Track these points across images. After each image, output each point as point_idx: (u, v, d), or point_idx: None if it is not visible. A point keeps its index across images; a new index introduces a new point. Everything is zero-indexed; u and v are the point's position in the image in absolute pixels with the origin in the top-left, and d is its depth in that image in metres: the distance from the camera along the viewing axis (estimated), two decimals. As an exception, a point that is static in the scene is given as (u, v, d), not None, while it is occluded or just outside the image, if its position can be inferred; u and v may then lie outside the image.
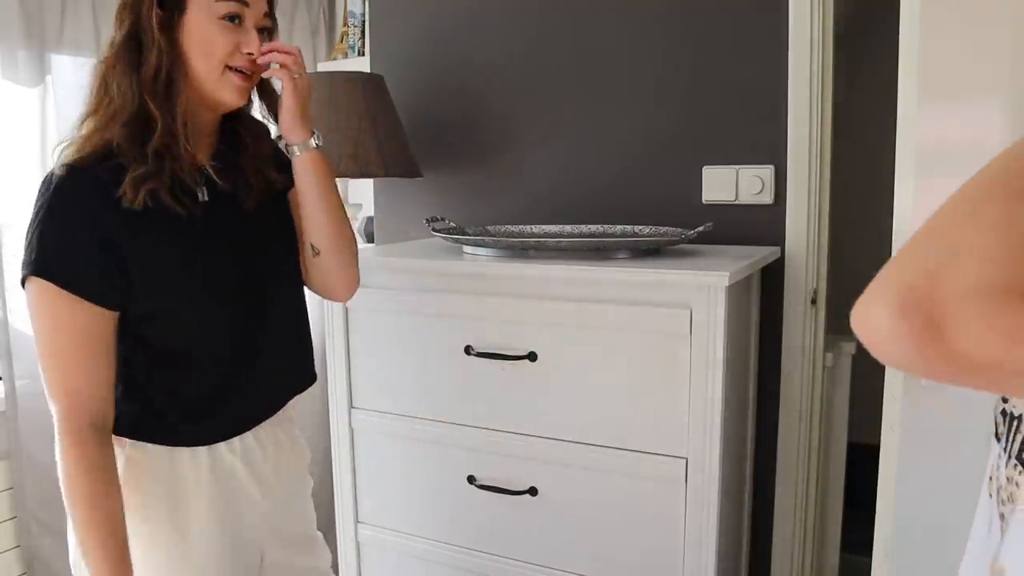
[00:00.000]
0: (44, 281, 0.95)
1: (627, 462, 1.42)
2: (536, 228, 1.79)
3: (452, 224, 1.75)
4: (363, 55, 2.54)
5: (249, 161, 1.11)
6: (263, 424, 1.17)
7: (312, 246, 1.18)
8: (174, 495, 1.07)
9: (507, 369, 1.50)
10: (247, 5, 1.03)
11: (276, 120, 1.14)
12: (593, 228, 1.76)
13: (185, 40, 1.00)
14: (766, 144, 1.71)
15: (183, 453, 1.07)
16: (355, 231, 2.35)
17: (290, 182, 1.16)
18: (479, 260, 1.53)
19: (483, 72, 2.01)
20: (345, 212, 1.21)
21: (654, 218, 1.80)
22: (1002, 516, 0.67)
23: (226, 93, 1.04)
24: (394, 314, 1.61)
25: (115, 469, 1.00)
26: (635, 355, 1.39)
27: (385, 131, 1.90)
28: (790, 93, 1.66)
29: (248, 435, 1.14)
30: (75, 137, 1.00)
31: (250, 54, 1.04)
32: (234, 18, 1.02)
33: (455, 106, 2.06)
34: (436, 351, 1.57)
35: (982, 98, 1.24)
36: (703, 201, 1.79)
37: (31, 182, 1.03)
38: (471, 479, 1.57)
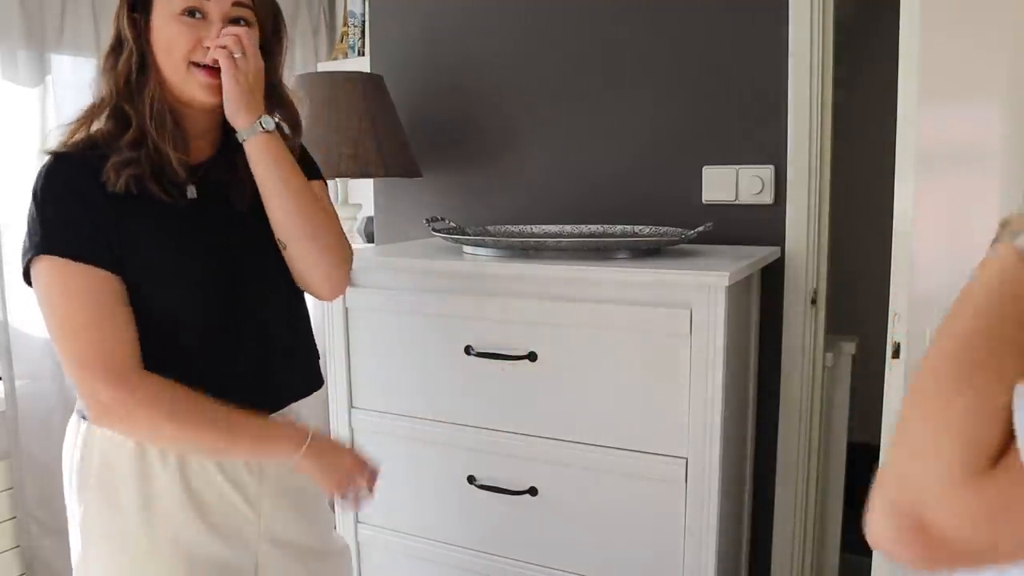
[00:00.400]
0: (52, 257, 0.97)
1: (627, 462, 1.42)
2: (536, 228, 1.79)
3: (452, 224, 1.75)
4: (363, 55, 2.55)
5: (244, 162, 1.09)
6: None
7: (279, 240, 1.12)
8: (144, 493, 1.05)
9: (507, 369, 1.50)
10: None
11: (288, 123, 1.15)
12: (593, 228, 1.76)
13: (153, 40, 1.02)
14: (766, 144, 1.71)
15: (152, 450, 1.05)
16: (355, 231, 2.37)
17: None
18: (479, 260, 1.53)
19: (483, 72, 2.01)
20: (314, 199, 1.12)
21: (654, 218, 1.80)
22: None
23: (193, 90, 1.03)
24: (394, 314, 1.61)
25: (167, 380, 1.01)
26: (635, 355, 1.39)
27: (385, 131, 1.90)
28: (790, 93, 1.66)
29: None
30: (63, 129, 1.04)
31: (222, 47, 1.01)
32: (194, 12, 1.00)
33: (455, 106, 2.06)
34: (436, 351, 1.57)
35: (982, 98, 1.24)
36: (703, 201, 1.79)
37: (31, 182, 1.03)
38: (471, 479, 1.57)
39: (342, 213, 1.98)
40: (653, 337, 1.37)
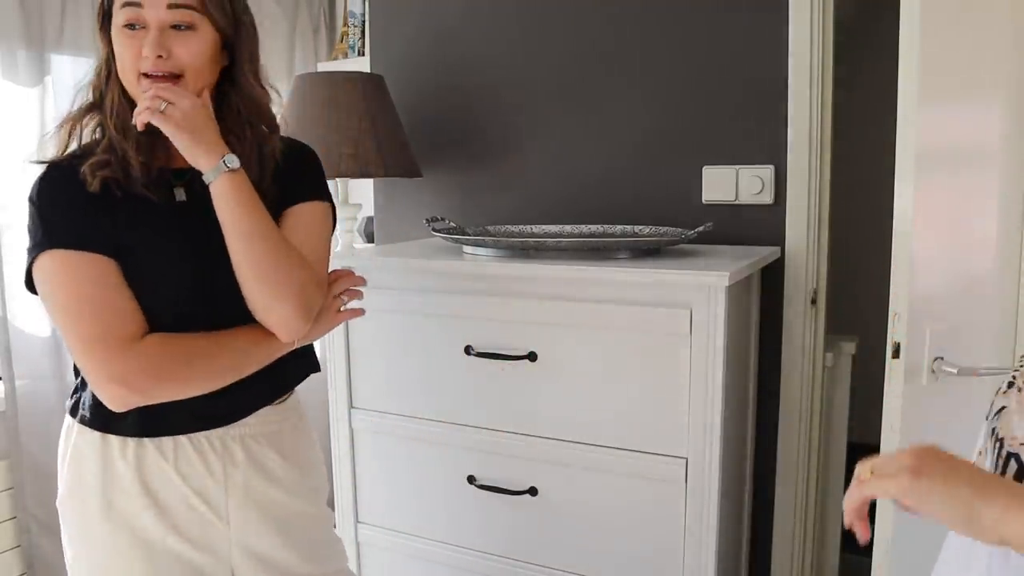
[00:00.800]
0: (54, 250, 0.99)
1: (627, 462, 1.42)
2: (536, 228, 1.79)
3: (452, 224, 1.75)
4: (363, 55, 2.55)
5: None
6: (216, 435, 1.10)
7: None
8: (108, 485, 1.06)
9: (507, 369, 1.50)
10: (140, 6, 0.99)
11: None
12: (593, 228, 1.76)
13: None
14: (766, 144, 1.71)
15: (113, 442, 1.06)
16: (355, 231, 2.37)
17: (271, 195, 1.10)
18: (479, 260, 1.53)
19: (483, 72, 2.01)
20: (276, 243, 1.05)
21: (654, 218, 1.80)
22: None
23: (142, 103, 1.02)
24: (394, 314, 1.61)
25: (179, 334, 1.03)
26: (635, 355, 1.39)
27: (385, 131, 1.90)
28: (790, 93, 1.66)
29: (185, 440, 1.08)
30: (53, 137, 1.08)
31: (160, 57, 1.00)
32: (133, 25, 1.00)
33: (455, 106, 2.06)
34: (436, 351, 1.57)
35: (982, 98, 1.24)
36: (703, 201, 1.79)
37: (31, 183, 1.05)
38: (471, 479, 1.57)
39: (342, 213, 1.98)
40: (653, 337, 1.37)
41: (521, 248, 1.50)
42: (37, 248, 1.00)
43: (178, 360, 1.01)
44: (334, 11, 2.87)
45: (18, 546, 2.08)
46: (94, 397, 1.03)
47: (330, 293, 1.16)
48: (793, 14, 1.64)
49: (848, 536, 1.98)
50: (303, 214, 1.13)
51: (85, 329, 0.98)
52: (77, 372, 1.09)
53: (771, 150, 1.71)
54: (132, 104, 1.04)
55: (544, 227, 1.79)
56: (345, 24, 2.76)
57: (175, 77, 1.02)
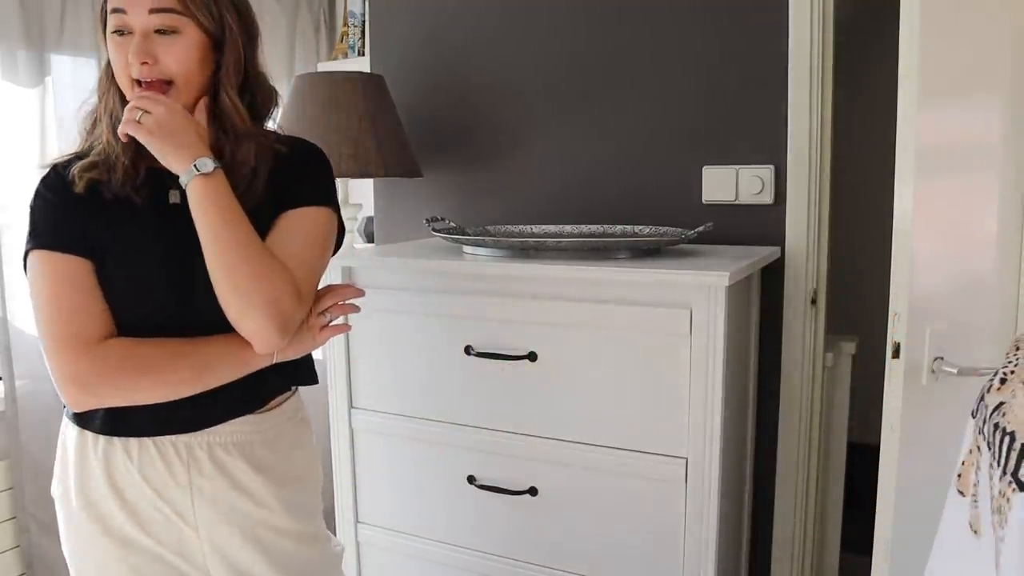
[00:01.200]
0: (39, 251, 1.02)
1: (627, 462, 1.42)
2: (536, 228, 1.79)
3: (452, 224, 1.75)
4: (363, 55, 2.55)
5: (236, 167, 1.06)
6: (182, 440, 1.07)
7: None
8: (85, 480, 1.07)
9: (507, 369, 1.50)
10: (124, 12, 0.99)
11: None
12: (593, 228, 1.76)
13: None
14: (766, 144, 1.71)
15: (88, 438, 1.07)
16: (355, 231, 2.37)
17: (263, 200, 1.07)
18: (479, 260, 1.53)
19: (483, 72, 2.01)
20: (252, 251, 1.01)
21: (654, 218, 1.80)
22: (992, 524, 0.68)
23: (126, 114, 1.02)
24: (394, 314, 1.61)
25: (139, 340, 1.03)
26: (635, 355, 1.39)
27: (385, 131, 1.90)
28: (790, 93, 1.66)
29: (149, 442, 1.06)
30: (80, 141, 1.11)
31: (145, 63, 0.99)
32: (121, 32, 1.00)
33: (455, 106, 2.06)
34: (436, 351, 1.57)
35: (982, 98, 1.24)
36: (703, 201, 1.79)
37: (30, 183, 1.06)
38: (471, 479, 1.57)
39: (342, 213, 1.97)
40: (653, 337, 1.37)
41: (521, 248, 1.50)
42: (25, 247, 1.03)
43: (133, 367, 1.00)
44: (334, 11, 2.87)
45: (18, 546, 2.08)
46: None
47: (315, 310, 1.11)
48: (793, 14, 1.64)
49: (848, 536, 1.97)
50: (295, 220, 1.08)
51: (52, 328, 1.00)
52: None
53: (771, 150, 1.71)
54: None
55: (544, 227, 1.79)
56: (345, 24, 2.76)
57: (166, 83, 1.02)
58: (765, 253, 1.61)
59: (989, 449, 0.70)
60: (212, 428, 1.09)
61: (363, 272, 1.63)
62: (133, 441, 1.06)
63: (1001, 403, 0.72)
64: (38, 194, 1.06)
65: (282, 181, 1.09)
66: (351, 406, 1.70)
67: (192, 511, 1.08)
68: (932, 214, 1.13)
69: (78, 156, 1.07)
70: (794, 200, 1.69)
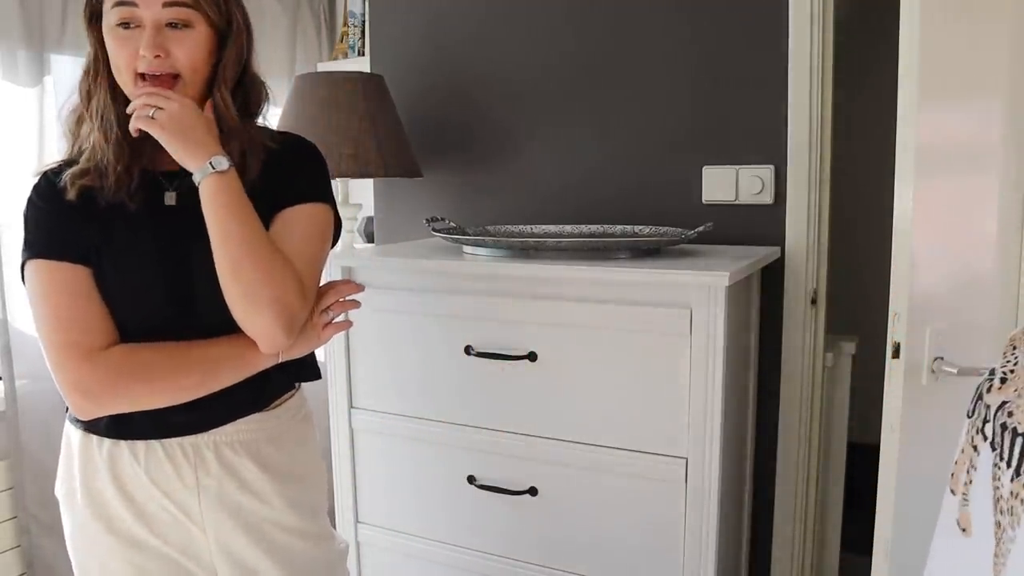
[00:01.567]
0: (37, 260, 1.01)
1: (627, 462, 1.42)
2: (536, 228, 1.79)
3: (452, 224, 1.75)
4: (363, 55, 2.55)
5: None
6: (188, 441, 1.07)
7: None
8: (91, 482, 1.07)
9: (507, 369, 1.50)
10: (135, 5, 0.97)
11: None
12: (593, 228, 1.76)
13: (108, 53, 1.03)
14: (766, 144, 1.71)
15: (93, 440, 1.07)
16: (355, 231, 2.37)
17: (255, 197, 1.04)
18: (479, 260, 1.53)
19: (483, 72, 2.01)
20: (261, 250, 1.00)
21: (654, 218, 1.80)
22: (998, 524, 0.68)
23: (137, 109, 1.00)
24: (394, 314, 1.61)
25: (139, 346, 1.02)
26: (635, 355, 1.39)
27: (385, 131, 1.90)
28: (790, 93, 1.66)
29: (156, 444, 1.06)
30: (67, 143, 1.09)
31: (158, 56, 0.98)
32: (128, 24, 0.98)
33: (455, 106, 2.06)
34: (436, 351, 1.57)
35: (982, 98, 1.24)
36: (703, 201, 1.79)
37: (30, 183, 1.06)
38: (471, 479, 1.57)
39: (342, 213, 1.97)
40: (653, 337, 1.37)
41: (521, 248, 1.50)
42: (22, 256, 1.02)
43: (137, 374, 1.00)
44: (334, 11, 2.87)
45: (18, 546, 2.08)
46: None
47: (317, 308, 1.10)
48: (793, 14, 1.64)
49: (848, 536, 1.97)
50: (295, 217, 1.07)
51: (54, 337, 0.99)
52: None
53: (771, 150, 1.71)
54: (121, 106, 1.02)
55: (544, 227, 1.79)
56: (345, 24, 2.76)
57: (173, 77, 1.00)
58: (765, 253, 1.61)
59: (994, 449, 0.70)
60: (218, 428, 1.09)
61: (363, 272, 1.63)
62: (140, 444, 1.06)
63: (1004, 402, 0.72)
64: (30, 203, 1.05)
65: (276, 178, 1.08)
66: (351, 406, 1.70)
67: (199, 510, 1.08)
68: (932, 214, 1.13)
69: (67, 163, 1.05)
70: (794, 200, 1.69)
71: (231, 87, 1.06)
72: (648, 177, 1.85)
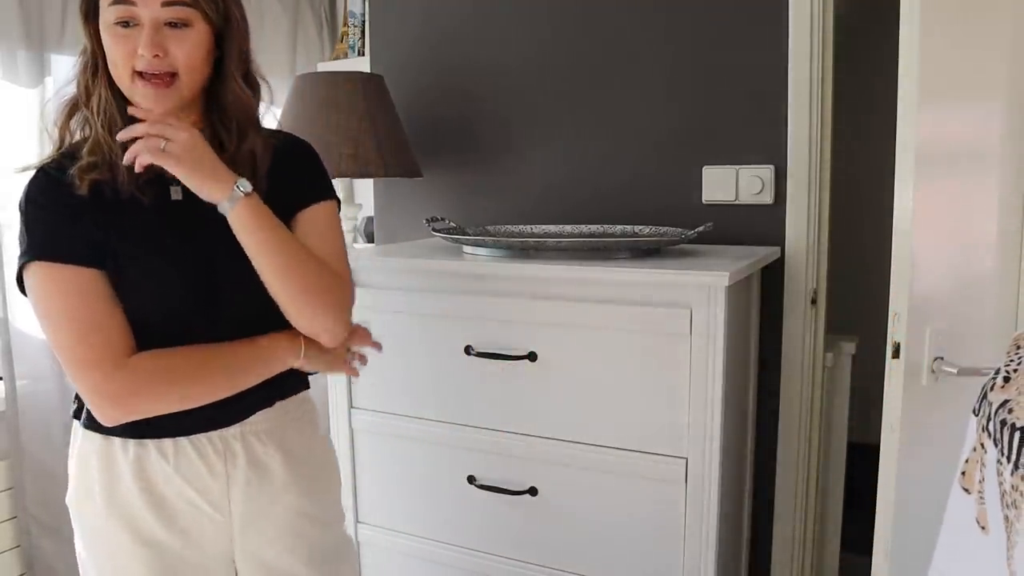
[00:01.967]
0: (38, 263, 0.98)
1: (627, 462, 1.42)
2: (536, 228, 1.79)
3: (452, 224, 1.75)
4: (363, 55, 2.55)
5: (239, 159, 1.06)
6: (216, 434, 1.08)
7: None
8: (112, 485, 1.06)
9: (507, 369, 1.50)
10: (133, 3, 0.96)
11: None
12: (593, 228, 1.76)
13: (104, 49, 1.02)
14: (766, 144, 1.71)
15: (116, 443, 1.05)
16: (355, 231, 2.37)
17: (269, 196, 1.06)
18: (479, 260, 1.53)
19: (483, 72, 2.01)
20: (305, 257, 1.06)
21: (654, 218, 1.80)
22: (1006, 518, 0.68)
23: (139, 100, 1.00)
24: (394, 314, 1.61)
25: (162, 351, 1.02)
26: (635, 355, 1.39)
27: (385, 131, 1.90)
28: (790, 93, 1.66)
29: (185, 442, 1.06)
30: (53, 137, 1.06)
31: (156, 56, 0.97)
32: (127, 23, 0.97)
33: (455, 106, 2.06)
34: (436, 351, 1.57)
35: (982, 98, 1.24)
36: (703, 201, 1.79)
37: (22, 180, 1.04)
38: (471, 479, 1.57)
39: (343, 213, 1.97)
40: (653, 337, 1.37)
41: (521, 248, 1.50)
42: (23, 258, 0.98)
43: (166, 379, 1.00)
44: (334, 11, 2.87)
45: (18, 546, 2.08)
46: None
47: (345, 343, 1.16)
48: (793, 14, 1.64)
49: (848, 536, 1.97)
50: (316, 217, 1.12)
51: (73, 347, 0.97)
52: None
53: (771, 150, 1.71)
54: (122, 102, 1.02)
55: (544, 227, 1.79)
56: (345, 24, 2.76)
57: (171, 76, 1.00)
58: (765, 253, 1.61)
59: (996, 446, 0.70)
60: (246, 420, 1.11)
61: (363, 272, 1.63)
62: (167, 441, 1.06)
63: (1006, 400, 0.72)
64: (30, 200, 1.00)
65: (283, 179, 1.09)
66: (351, 406, 1.70)
67: (227, 502, 1.10)
68: (932, 214, 1.13)
69: (65, 156, 1.02)
70: (794, 200, 1.69)
71: (243, 75, 1.07)
72: (648, 177, 1.85)
